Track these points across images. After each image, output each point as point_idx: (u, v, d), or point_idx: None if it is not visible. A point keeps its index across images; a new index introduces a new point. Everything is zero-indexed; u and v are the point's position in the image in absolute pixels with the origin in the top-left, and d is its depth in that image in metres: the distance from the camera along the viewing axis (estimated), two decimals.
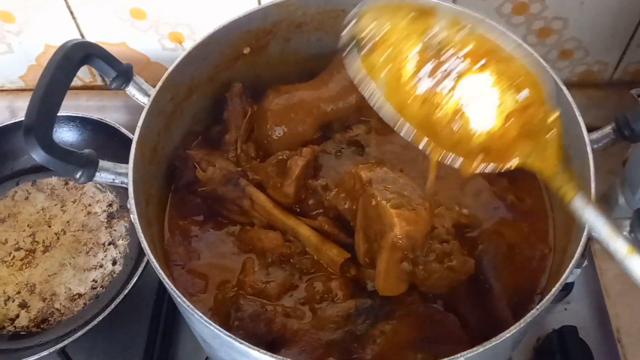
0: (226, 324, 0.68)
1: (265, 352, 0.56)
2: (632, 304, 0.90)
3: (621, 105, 1.00)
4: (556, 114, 0.55)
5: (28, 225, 0.96)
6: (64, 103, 0.64)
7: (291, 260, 0.73)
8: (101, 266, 0.92)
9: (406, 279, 0.67)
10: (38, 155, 0.61)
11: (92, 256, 0.93)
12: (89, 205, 0.98)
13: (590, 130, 0.68)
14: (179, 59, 0.74)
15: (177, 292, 0.60)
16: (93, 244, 0.94)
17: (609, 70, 1.04)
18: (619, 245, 0.52)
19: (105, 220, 0.96)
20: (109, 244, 0.94)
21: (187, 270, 0.74)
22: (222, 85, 0.81)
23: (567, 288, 0.92)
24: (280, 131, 0.78)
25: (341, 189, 0.73)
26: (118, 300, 0.83)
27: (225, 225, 0.77)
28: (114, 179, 0.67)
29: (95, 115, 1.00)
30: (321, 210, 0.75)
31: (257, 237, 0.73)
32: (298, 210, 0.76)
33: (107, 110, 1.07)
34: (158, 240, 0.74)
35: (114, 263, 0.93)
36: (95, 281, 0.91)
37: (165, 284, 0.62)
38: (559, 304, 0.92)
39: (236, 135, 0.80)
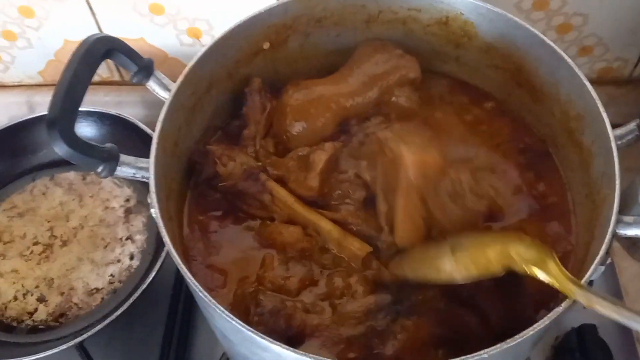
0: (245, 320, 0.67)
1: (287, 347, 0.56)
2: None
3: None
4: None
5: (46, 220, 0.96)
6: None
7: (311, 255, 0.72)
8: (119, 261, 0.92)
9: (422, 223, 0.68)
10: (61, 149, 0.60)
11: (109, 251, 0.93)
12: (107, 200, 0.98)
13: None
14: (199, 54, 0.73)
15: (199, 286, 0.60)
16: (111, 238, 0.94)
17: (629, 67, 1.03)
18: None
19: (123, 215, 0.97)
20: (127, 238, 0.94)
21: (206, 265, 0.73)
22: (241, 80, 0.81)
23: None
24: (299, 127, 0.78)
25: (364, 158, 0.75)
26: (136, 295, 0.83)
27: (244, 220, 0.76)
28: (134, 173, 0.67)
29: (113, 111, 1.00)
30: (348, 200, 0.75)
31: (277, 231, 0.73)
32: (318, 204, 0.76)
33: (125, 106, 1.07)
34: (178, 235, 0.74)
35: (132, 258, 0.93)
36: (113, 276, 0.91)
37: (186, 278, 0.62)
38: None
39: (255, 130, 0.80)
